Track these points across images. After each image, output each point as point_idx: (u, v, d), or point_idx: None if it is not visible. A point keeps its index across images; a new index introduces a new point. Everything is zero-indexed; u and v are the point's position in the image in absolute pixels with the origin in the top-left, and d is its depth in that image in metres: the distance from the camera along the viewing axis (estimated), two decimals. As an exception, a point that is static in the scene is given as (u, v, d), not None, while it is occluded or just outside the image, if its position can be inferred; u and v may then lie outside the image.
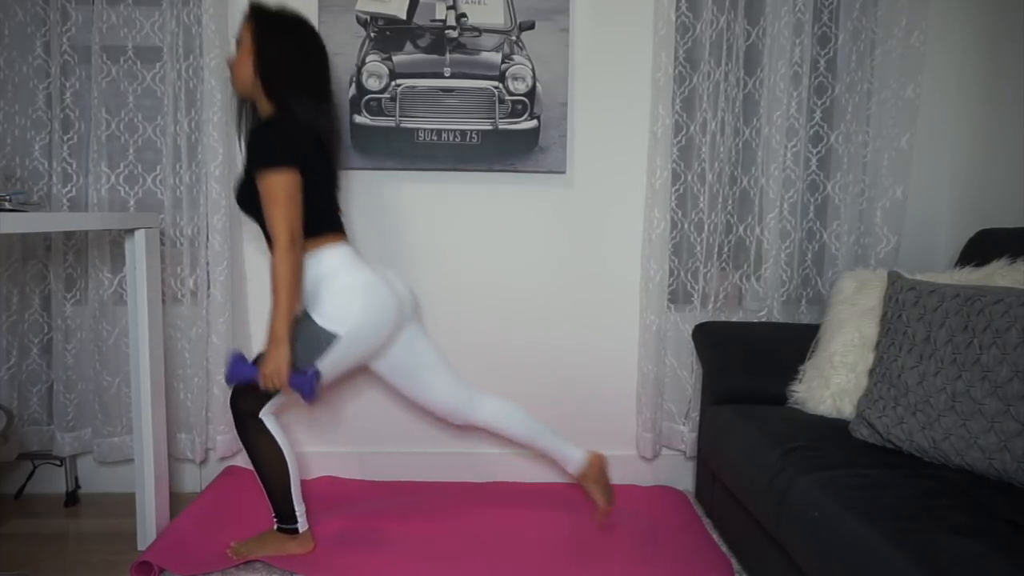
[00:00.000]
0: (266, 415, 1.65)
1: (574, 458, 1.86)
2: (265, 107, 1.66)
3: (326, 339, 1.58)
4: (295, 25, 1.65)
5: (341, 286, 1.61)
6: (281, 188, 1.53)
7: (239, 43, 1.66)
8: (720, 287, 2.20)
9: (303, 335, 1.58)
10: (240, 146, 1.85)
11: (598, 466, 1.86)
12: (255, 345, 2.20)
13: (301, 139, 1.60)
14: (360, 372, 2.21)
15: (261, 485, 1.67)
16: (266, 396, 1.63)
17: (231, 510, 1.92)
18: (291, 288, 1.52)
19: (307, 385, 1.54)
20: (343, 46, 2.08)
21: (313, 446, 2.26)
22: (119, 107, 2.07)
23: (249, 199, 1.61)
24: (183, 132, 2.05)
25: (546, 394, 2.25)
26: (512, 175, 2.17)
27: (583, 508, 2.00)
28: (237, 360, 1.59)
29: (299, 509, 1.69)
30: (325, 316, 1.59)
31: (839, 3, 2.11)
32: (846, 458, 1.41)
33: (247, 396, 1.63)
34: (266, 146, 1.55)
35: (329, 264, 1.63)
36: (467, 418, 1.85)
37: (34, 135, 2.05)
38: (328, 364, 1.61)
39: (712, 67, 2.09)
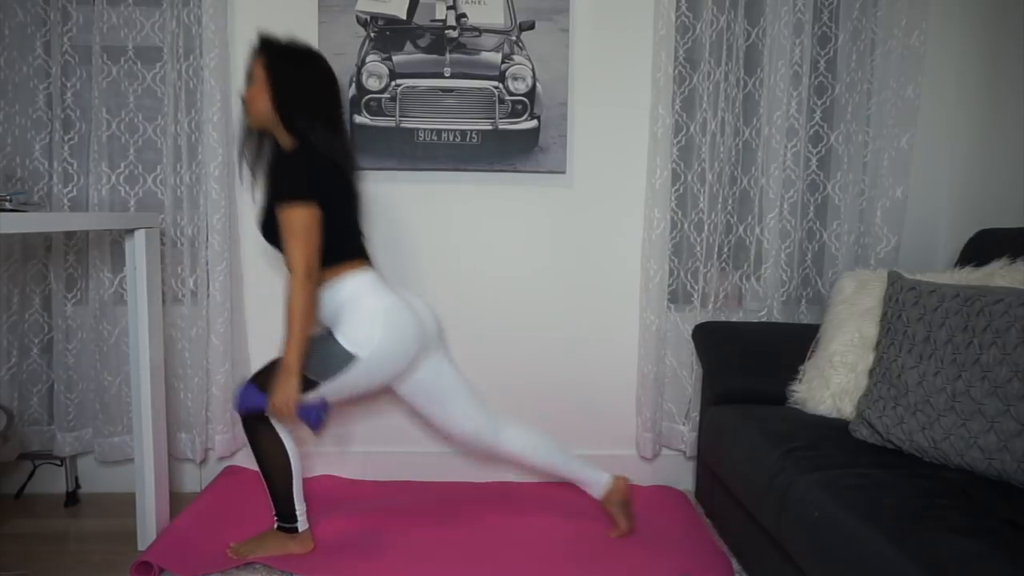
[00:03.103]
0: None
1: (599, 482, 1.85)
2: (284, 139, 1.67)
3: (345, 359, 1.58)
4: (308, 56, 1.67)
5: (364, 310, 1.62)
6: (300, 222, 1.54)
7: (251, 77, 1.66)
8: (720, 287, 2.20)
9: (322, 351, 1.59)
10: (240, 175, 1.90)
11: (622, 489, 1.85)
12: (252, 345, 2.20)
13: (321, 171, 1.61)
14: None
15: (263, 481, 1.68)
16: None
17: (231, 510, 1.92)
18: (305, 320, 1.54)
19: (314, 416, 1.57)
20: (343, 46, 2.08)
21: (314, 445, 2.25)
22: (119, 107, 2.07)
23: (273, 230, 1.63)
24: (183, 132, 2.05)
25: (546, 394, 2.25)
26: (512, 175, 2.17)
27: (583, 508, 2.00)
28: (247, 388, 1.61)
29: (300, 509, 1.69)
30: (347, 337, 1.59)
31: (839, 3, 2.11)
32: (846, 458, 1.42)
33: None
34: (287, 180, 1.57)
35: (352, 289, 1.64)
36: (490, 445, 1.83)
37: (35, 135, 2.05)
38: (344, 385, 1.62)
39: (712, 67, 2.09)
